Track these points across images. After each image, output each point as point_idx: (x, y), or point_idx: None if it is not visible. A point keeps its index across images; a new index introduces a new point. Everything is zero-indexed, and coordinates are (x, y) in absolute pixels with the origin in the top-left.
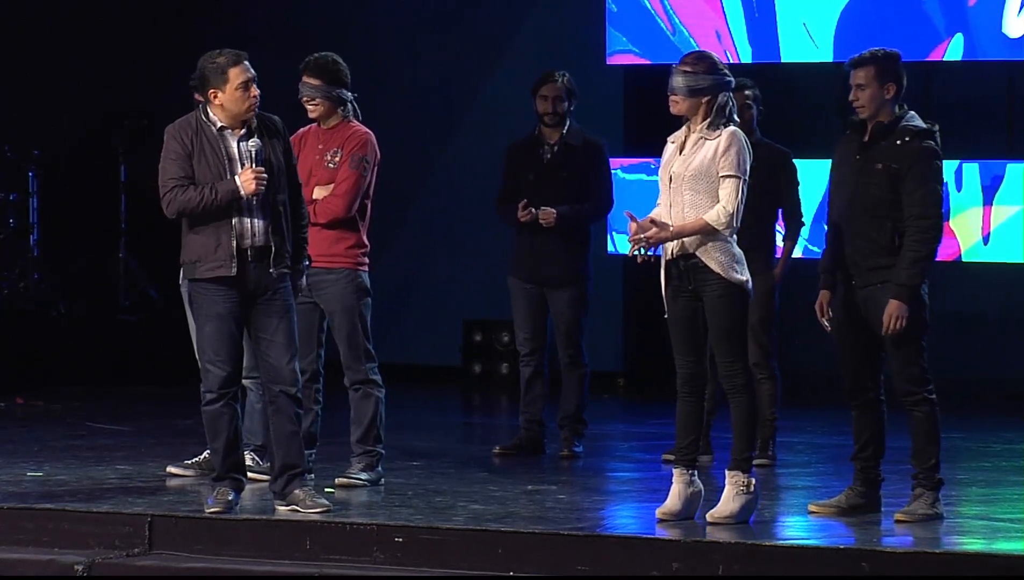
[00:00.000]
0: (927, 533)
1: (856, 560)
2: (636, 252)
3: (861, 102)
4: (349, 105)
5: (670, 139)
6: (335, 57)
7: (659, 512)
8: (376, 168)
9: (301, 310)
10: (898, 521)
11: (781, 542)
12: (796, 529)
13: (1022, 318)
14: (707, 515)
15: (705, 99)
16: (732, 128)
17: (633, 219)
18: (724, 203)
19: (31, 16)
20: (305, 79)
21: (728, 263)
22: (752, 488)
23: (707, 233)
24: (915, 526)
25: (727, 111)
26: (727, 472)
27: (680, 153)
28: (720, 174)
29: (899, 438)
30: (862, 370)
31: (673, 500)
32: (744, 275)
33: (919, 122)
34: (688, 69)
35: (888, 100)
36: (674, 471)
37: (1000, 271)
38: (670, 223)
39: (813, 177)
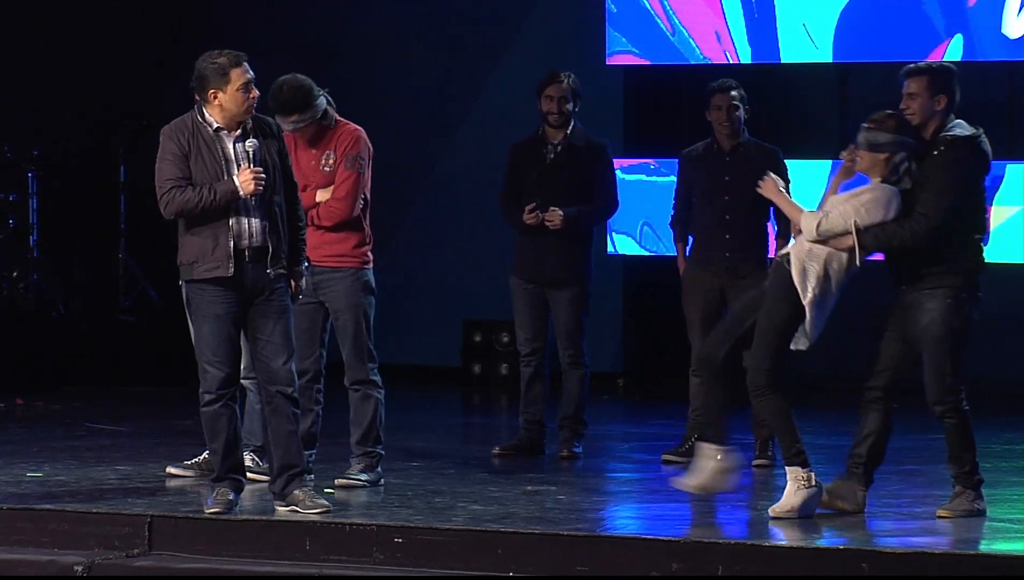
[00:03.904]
0: (925, 533)
1: (856, 560)
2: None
3: (912, 111)
4: (327, 107)
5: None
6: (290, 84)
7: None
8: (370, 162)
9: (304, 310)
10: (940, 517)
11: (781, 542)
12: (796, 529)
13: (1022, 318)
14: (769, 510)
15: (883, 156)
16: (891, 186)
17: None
18: (825, 216)
19: (31, 16)
20: (280, 120)
21: (801, 282)
22: (813, 482)
23: (795, 223)
24: (914, 526)
25: (900, 170)
26: (786, 468)
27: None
28: (851, 201)
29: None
30: (893, 371)
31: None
32: (806, 298)
33: (959, 131)
34: (871, 125)
35: (938, 111)
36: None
37: (1000, 271)
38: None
39: (813, 177)
